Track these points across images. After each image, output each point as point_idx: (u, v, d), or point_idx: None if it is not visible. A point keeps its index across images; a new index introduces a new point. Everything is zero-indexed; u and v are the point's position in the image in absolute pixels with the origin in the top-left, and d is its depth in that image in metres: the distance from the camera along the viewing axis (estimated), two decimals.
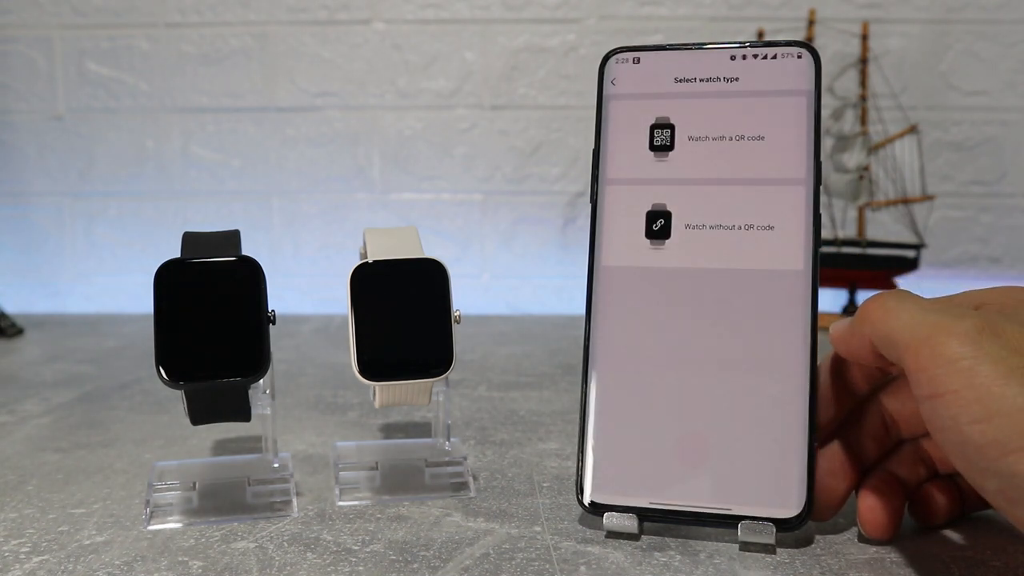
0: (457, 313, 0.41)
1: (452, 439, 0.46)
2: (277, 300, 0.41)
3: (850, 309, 1.00)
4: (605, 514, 0.36)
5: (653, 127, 0.38)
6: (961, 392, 0.26)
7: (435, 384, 0.41)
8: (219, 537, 0.37)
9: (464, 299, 0.42)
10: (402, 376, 0.40)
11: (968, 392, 0.26)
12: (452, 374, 0.41)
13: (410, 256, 0.41)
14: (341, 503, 0.42)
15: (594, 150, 0.38)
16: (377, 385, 0.40)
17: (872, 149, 1.00)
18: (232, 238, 0.41)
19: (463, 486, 0.43)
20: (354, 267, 0.40)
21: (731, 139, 0.37)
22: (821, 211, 0.36)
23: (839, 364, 0.36)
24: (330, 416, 0.58)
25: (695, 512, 0.35)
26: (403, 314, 0.40)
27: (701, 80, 0.37)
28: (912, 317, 0.29)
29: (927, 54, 1.03)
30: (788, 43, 0.37)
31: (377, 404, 0.42)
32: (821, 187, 0.37)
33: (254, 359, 0.38)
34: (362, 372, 0.39)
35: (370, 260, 0.40)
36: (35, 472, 0.47)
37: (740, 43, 0.37)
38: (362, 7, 1.04)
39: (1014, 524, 0.26)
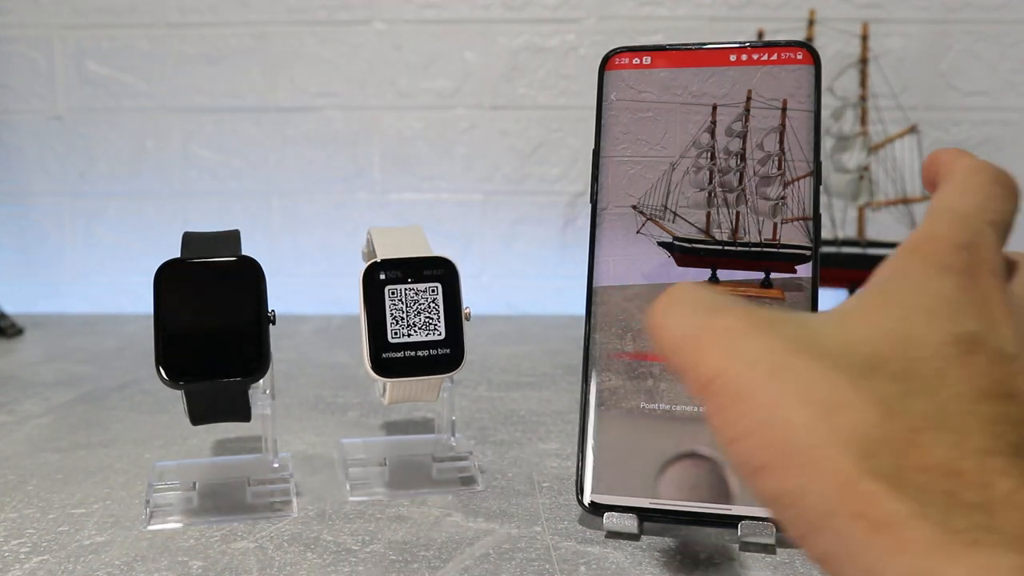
0: (467, 310, 0.41)
1: (456, 435, 0.46)
2: (277, 300, 0.41)
3: None
4: (605, 514, 0.36)
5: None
6: (716, 414, 0.22)
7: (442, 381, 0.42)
8: (219, 537, 0.37)
9: (464, 299, 0.42)
10: (413, 373, 0.40)
11: (727, 410, 0.22)
12: (456, 373, 0.41)
13: (419, 255, 0.41)
14: (353, 498, 0.42)
15: (594, 151, 0.38)
16: (389, 381, 0.40)
17: (872, 149, 1.00)
18: (232, 238, 0.42)
19: (471, 480, 0.43)
20: (366, 265, 0.40)
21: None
22: (821, 211, 0.36)
23: None
24: (330, 416, 0.58)
25: (695, 512, 0.35)
26: (416, 312, 0.40)
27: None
28: (678, 326, 0.24)
29: (927, 54, 1.03)
30: (788, 44, 0.37)
31: (387, 401, 0.42)
32: (821, 187, 0.37)
33: (254, 359, 0.38)
34: (374, 368, 0.39)
35: (379, 259, 0.40)
36: (35, 472, 0.47)
37: (740, 43, 0.37)
38: (362, 7, 1.04)
39: None
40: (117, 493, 0.43)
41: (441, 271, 0.41)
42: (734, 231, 0.37)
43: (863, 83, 1.00)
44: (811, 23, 0.99)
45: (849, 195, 1.00)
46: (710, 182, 0.38)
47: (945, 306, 0.23)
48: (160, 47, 1.05)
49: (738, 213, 0.37)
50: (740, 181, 0.38)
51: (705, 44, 0.37)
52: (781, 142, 0.37)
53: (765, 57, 0.37)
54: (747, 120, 0.37)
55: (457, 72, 1.05)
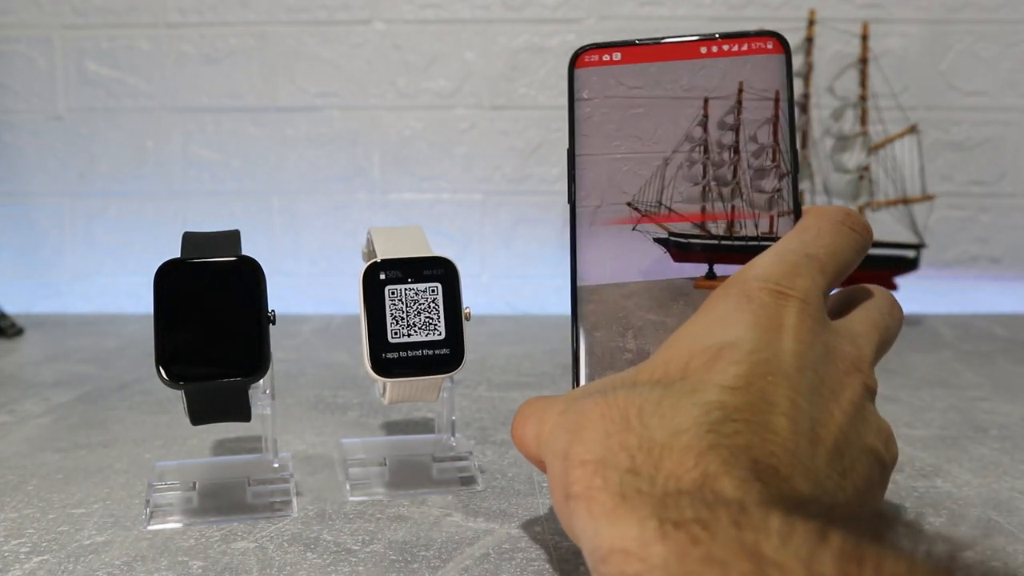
0: (467, 310, 0.41)
1: (456, 435, 0.46)
2: (277, 300, 0.41)
3: None
4: None
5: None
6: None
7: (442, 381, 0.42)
8: (219, 537, 0.37)
9: (464, 299, 0.42)
10: (413, 373, 0.40)
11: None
12: (456, 373, 0.41)
13: (419, 255, 0.41)
14: (352, 498, 0.42)
15: (569, 150, 0.37)
16: (389, 382, 0.40)
17: (872, 149, 1.00)
18: (232, 238, 0.42)
19: (471, 480, 0.43)
20: (366, 265, 0.40)
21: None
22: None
23: None
24: (330, 416, 0.58)
25: None
26: (416, 312, 0.40)
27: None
28: (529, 436, 0.31)
29: (927, 54, 1.03)
30: (759, 33, 0.36)
31: (387, 400, 0.42)
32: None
33: (254, 359, 0.38)
34: (374, 368, 0.39)
35: (379, 259, 0.40)
36: (35, 472, 0.47)
37: (710, 35, 0.37)
38: (362, 7, 1.04)
39: None
40: (117, 493, 0.43)
41: (441, 271, 0.41)
42: (730, 225, 0.37)
43: (863, 83, 1.00)
44: (811, 23, 0.99)
45: (849, 195, 1.00)
46: (704, 176, 0.37)
47: (718, 325, 0.28)
48: (160, 47, 1.05)
49: (733, 207, 0.37)
50: (734, 175, 0.37)
51: (673, 38, 0.37)
52: (775, 134, 0.36)
53: (736, 48, 0.36)
54: (739, 113, 0.37)
55: (457, 72, 1.05)
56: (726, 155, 0.37)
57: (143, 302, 1.02)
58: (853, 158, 1.00)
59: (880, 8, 1.02)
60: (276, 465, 0.42)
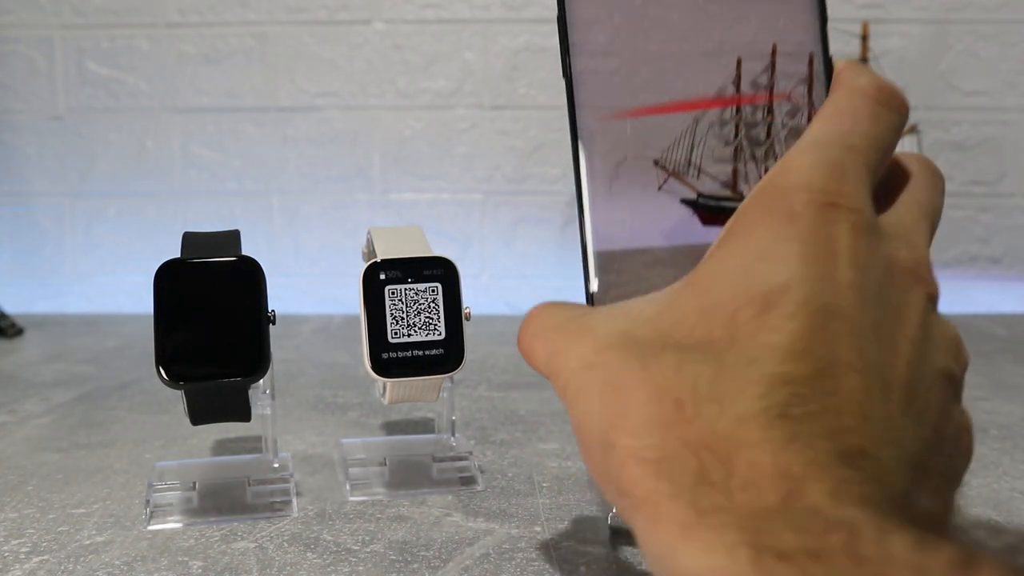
0: (467, 310, 0.41)
1: (456, 435, 0.46)
2: (277, 300, 0.41)
3: None
4: (610, 513, 0.36)
5: None
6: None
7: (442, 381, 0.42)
8: (219, 537, 0.37)
9: (464, 299, 0.42)
10: (413, 373, 0.40)
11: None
12: (456, 373, 0.41)
13: (419, 255, 0.41)
14: (352, 498, 0.42)
15: (564, 63, 0.31)
16: (389, 382, 0.40)
17: None
18: (232, 238, 0.42)
19: (471, 480, 0.43)
20: (366, 265, 0.40)
21: None
22: None
23: None
24: (330, 416, 0.58)
25: None
26: (416, 312, 0.40)
27: None
28: (541, 348, 0.26)
29: (927, 54, 1.03)
30: None
31: (387, 400, 0.42)
32: None
33: (254, 359, 0.38)
34: (374, 368, 0.39)
35: (379, 259, 0.40)
36: (35, 472, 0.47)
37: None
38: (362, 7, 1.04)
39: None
40: (117, 493, 0.43)
41: (441, 271, 0.41)
42: None
43: None
44: None
45: None
46: (736, 136, 0.35)
47: (761, 262, 0.23)
48: (160, 47, 1.05)
49: (766, 168, 0.34)
50: (768, 135, 0.35)
51: None
52: (810, 92, 0.34)
53: None
54: (773, 72, 0.34)
55: (457, 72, 1.05)
56: (759, 115, 0.34)
57: (143, 302, 1.02)
58: None
59: (880, 8, 1.02)
60: (276, 465, 0.42)
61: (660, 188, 0.33)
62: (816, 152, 0.24)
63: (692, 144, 0.34)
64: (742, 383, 0.21)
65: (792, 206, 0.23)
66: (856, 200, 0.24)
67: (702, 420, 0.21)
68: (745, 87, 0.34)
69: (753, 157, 0.34)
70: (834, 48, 0.33)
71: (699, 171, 0.34)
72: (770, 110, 0.35)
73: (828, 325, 0.22)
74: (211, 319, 0.38)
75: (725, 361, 0.21)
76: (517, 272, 1.07)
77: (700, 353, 0.22)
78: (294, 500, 0.41)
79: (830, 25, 0.33)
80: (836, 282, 0.22)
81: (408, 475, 0.44)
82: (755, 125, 0.34)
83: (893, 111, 0.26)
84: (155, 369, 0.37)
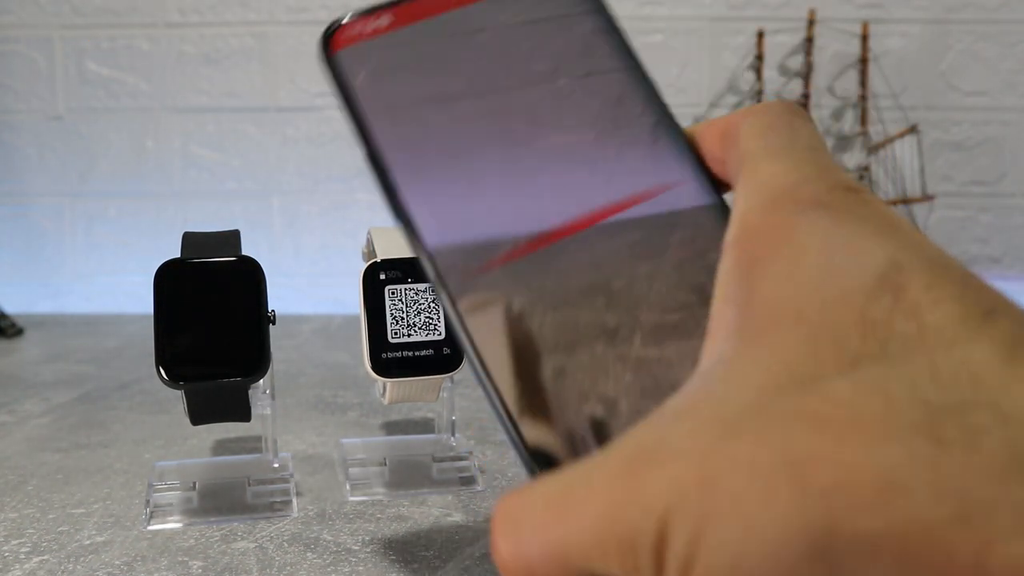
0: None
1: (456, 435, 0.46)
2: (277, 300, 0.41)
3: None
4: None
5: None
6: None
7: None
8: (219, 537, 0.37)
9: None
10: (413, 373, 0.40)
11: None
12: (456, 373, 0.41)
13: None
14: (352, 498, 0.42)
15: (373, 163, 0.24)
16: (389, 381, 0.40)
17: (872, 149, 1.00)
18: (232, 238, 0.42)
19: (471, 480, 0.43)
20: (366, 265, 0.40)
21: None
22: None
23: None
24: (330, 416, 0.58)
25: None
26: (416, 312, 0.40)
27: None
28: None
29: (927, 54, 1.03)
30: None
31: (387, 400, 0.42)
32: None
33: (254, 359, 0.38)
34: (374, 368, 0.40)
35: (379, 259, 0.40)
36: (35, 472, 0.47)
37: None
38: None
39: None
40: (117, 493, 0.43)
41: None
42: None
43: (863, 83, 1.00)
44: (811, 23, 0.99)
45: None
46: None
47: (836, 259, 0.18)
48: (160, 47, 1.05)
49: None
50: None
51: None
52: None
53: None
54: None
55: None
56: None
57: (143, 302, 1.02)
58: (853, 158, 1.00)
59: (880, 8, 1.02)
60: (276, 465, 0.42)
61: None
62: (787, 156, 0.20)
63: None
64: (959, 367, 0.15)
65: (815, 198, 0.19)
66: (854, 181, 0.20)
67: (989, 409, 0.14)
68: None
69: None
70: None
71: None
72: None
73: (964, 275, 0.17)
74: (211, 319, 0.38)
75: (914, 362, 0.15)
76: None
77: (858, 377, 0.15)
78: (294, 500, 0.41)
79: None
80: (922, 240, 0.18)
81: (408, 475, 0.44)
82: None
83: (809, 120, 0.22)
84: (155, 369, 0.37)
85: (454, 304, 0.21)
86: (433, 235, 0.23)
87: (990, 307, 0.16)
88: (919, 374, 0.15)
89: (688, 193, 0.23)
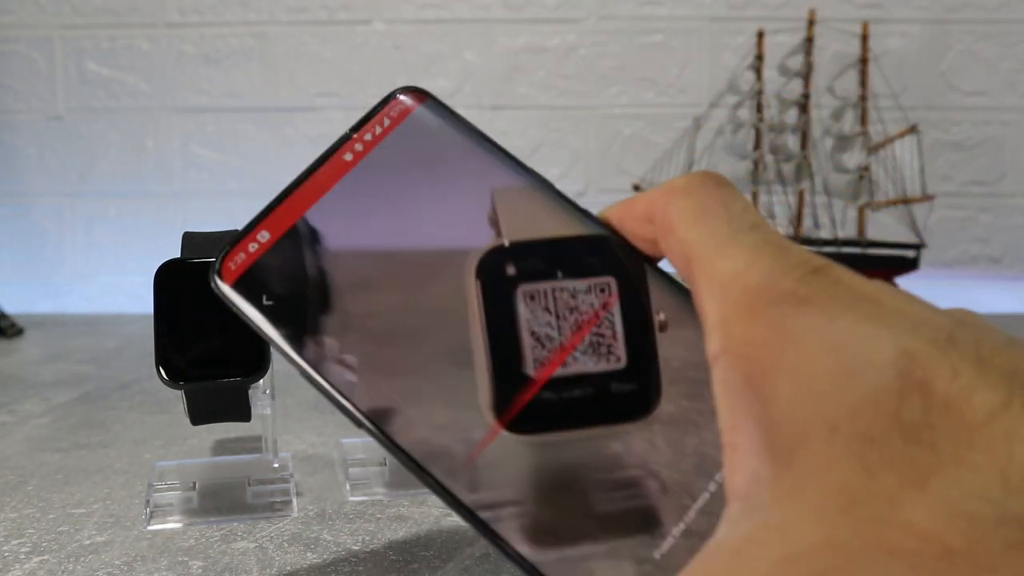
0: None
1: None
2: None
3: None
4: None
5: None
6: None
7: None
8: (219, 537, 0.37)
9: None
10: None
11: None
12: None
13: None
14: (352, 498, 0.42)
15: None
16: None
17: (872, 149, 1.00)
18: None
19: None
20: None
21: None
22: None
23: None
24: (330, 416, 0.58)
25: None
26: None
27: None
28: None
29: (927, 54, 1.03)
30: (387, 100, 0.25)
31: None
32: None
33: (254, 359, 0.38)
34: None
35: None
36: (35, 472, 0.47)
37: (344, 137, 0.25)
38: (362, 7, 1.04)
39: None
40: (117, 493, 0.43)
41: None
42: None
43: (863, 83, 1.00)
44: (811, 23, 0.99)
45: (849, 195, 1.00)
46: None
47: (843, 358, 0.17)
48: (160, 47, 1.05)
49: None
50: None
51: (306, 174, 0.26)
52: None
53: (379, 128, 0.25)
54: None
55: (457, 72, 1.05)
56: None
57: (143, 302, 1.02)
58: (853, 158, 1.00)
59: (880, 8, 1.02)
60: (276, 465, 0.42)
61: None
62: (737, 246, 0.19)
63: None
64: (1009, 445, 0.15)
65: (792, 294, 0.18)
66: (813, 256, 0.19)
67: None
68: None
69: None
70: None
71: None
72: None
73: (976, 342, 0.16)
74: (211, 319, 0.38)
75: (978, 470, 0.15)
76: None
77: (931, 503, 0.15)
78: (294, 500, 0.41)
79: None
80: (908, 306, 0.18)
81: (408, 475, 0.44)
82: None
83: (728, 186, 0.21)
84: (155, 369, 0.37)
85: (455, 498, 0.21)
86: (405, 437, 0.23)
87: (1016, 375, 0.15)
88: (989, 484, 0.14)
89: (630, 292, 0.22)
